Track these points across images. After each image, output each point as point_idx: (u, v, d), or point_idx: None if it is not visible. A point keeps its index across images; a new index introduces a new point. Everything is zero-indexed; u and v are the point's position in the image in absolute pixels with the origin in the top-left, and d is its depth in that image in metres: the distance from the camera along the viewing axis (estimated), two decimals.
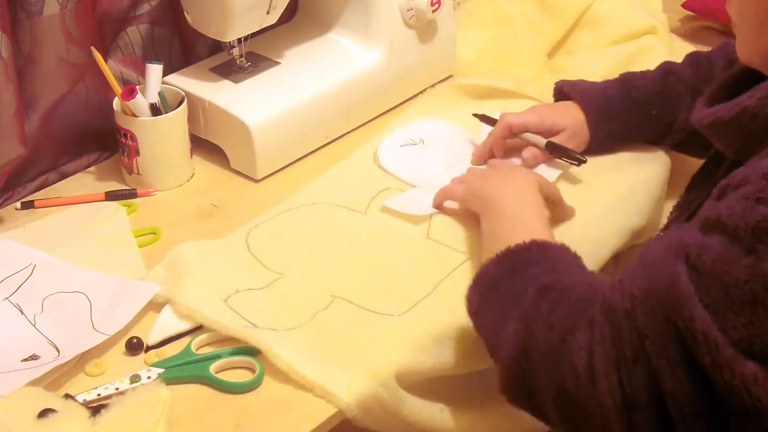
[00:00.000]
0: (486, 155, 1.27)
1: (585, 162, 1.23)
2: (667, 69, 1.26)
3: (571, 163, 1.24)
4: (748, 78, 0.89)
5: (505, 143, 1.26)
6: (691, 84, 1.23)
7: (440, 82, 1.46)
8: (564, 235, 0.96)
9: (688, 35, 1.64)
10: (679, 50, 1.45)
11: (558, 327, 0.84)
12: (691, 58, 1.27)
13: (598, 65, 1.45)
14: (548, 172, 1.24)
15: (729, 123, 0.86)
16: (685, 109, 1.22)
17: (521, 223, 1.02)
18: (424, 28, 1.41)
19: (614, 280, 0.84)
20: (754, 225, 0.74)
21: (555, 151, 1.24)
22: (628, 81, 1.26)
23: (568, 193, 1.23)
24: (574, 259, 0.95)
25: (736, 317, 0.74)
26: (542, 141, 1.24)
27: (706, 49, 1.30)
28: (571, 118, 1.25)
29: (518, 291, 0.90)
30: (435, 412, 1.00)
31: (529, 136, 1.25)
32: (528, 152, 1.24)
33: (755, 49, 0.87)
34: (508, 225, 1.03)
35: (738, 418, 0.77)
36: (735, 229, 0.75)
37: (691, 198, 1.00)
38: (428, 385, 1.02)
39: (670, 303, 0.77)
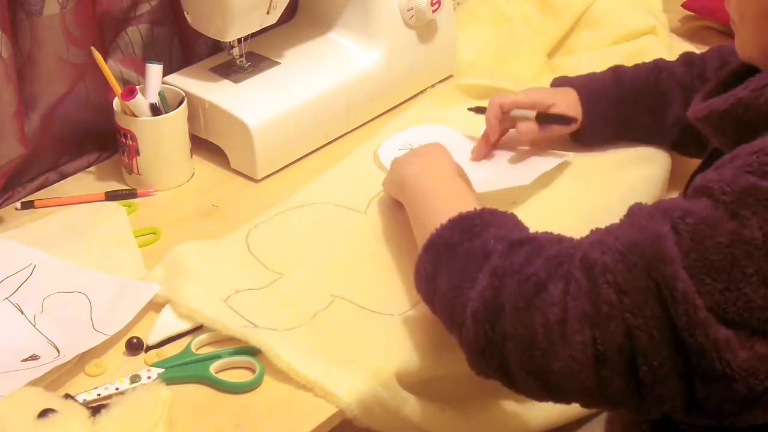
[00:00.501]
0: (484, 146, 1.27)
1: (576, 122, 1.23)
2: (659, 65, 1.27)
3: (564, 126, 1.24)
4: (745, 75, 0.90)
5: (499, 125, 1.26)
6: (682, 81, 1.23)
7: (440, 82, 1.46)
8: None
9: (688, 35, 1.64)
10: (679, 50, 1.44)
11: (532, 280, 0.83)
12: (685, 57, 1.27)
13: (598, 65, 1.44)
14: (546, 162, 1.24)
15: (724, 114, 0.86)
16: (678, 106, 1.22)
17: (451, 197, 1.01)
18: (424, 28, 1.41)
19: (594, 238, 0.84)
20: (741, 191, 0.76)
21: (546, 120, 1.24)
22: (620, 72, 1.27)
23: (568, 193, 1.23)
24: (526, 226, 0.95)
25: (713, 282, 0.75)
26: (533, 113, 1.24)
27: (706, 49, 1.30)
28: (564, 98, 1.25)
29: (482, 249, 0.89)
30: (436, 412, 1.00)
31: (519, 112, 1.25)
32: (522, 126, 1.24)
33: (755, 47, 0.88)
34: (437, 202, 1.02)
35: (705, 381, 0.77)
36: (721, 194, 0.76)
37: None
38: (429, 385, 1.02)
39: (654, 260, 0.77)
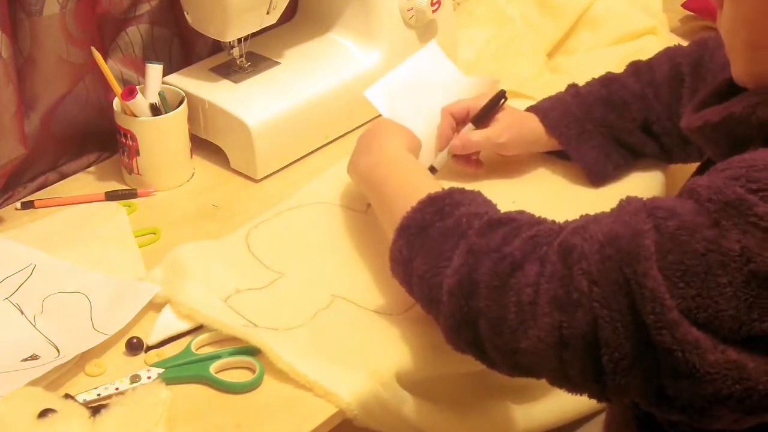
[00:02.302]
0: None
1: (505, 94, 1.21)
2: (608, 77, 1.24)
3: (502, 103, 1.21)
4: (740, 86, 0.90)
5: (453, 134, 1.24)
6: (634, 91, 1.21)
7: None
8: None
9: (688, 35, 1.64)
10: None
11: (508, 259, 0.85)
12: (632, 67, 1.25)
13: (598, 65, 1.44)
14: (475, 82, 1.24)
15: (717, 126, 0.87)
16: (636, 116, 1.20)
17: (412, 180, 1.03)
18: (424, 28, 1.41)
19: (578, 224, 0.84)
20: (726, 201, 0.76)
21: (481, 117, 1.21)
22: (577, 87, 1.25)
23: (567, 195, 1.23)
24: (494, 203, 0.96)
25: (686, 287, 0.75)
26: (469, 125, 1.21)
27: None
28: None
29: (456, 228, 0.91)
30: (435, 412, 1.01)
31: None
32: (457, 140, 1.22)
33: (746, 76, 0.88)
34: (399, 187, 1.03)
35: (672, 377, 0.77)
36: (707, 200, 0.77)
37: None
38: (428, 385, 1.02)
39: (628, 256, 0.77)
